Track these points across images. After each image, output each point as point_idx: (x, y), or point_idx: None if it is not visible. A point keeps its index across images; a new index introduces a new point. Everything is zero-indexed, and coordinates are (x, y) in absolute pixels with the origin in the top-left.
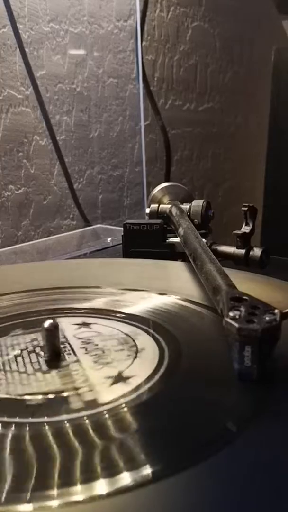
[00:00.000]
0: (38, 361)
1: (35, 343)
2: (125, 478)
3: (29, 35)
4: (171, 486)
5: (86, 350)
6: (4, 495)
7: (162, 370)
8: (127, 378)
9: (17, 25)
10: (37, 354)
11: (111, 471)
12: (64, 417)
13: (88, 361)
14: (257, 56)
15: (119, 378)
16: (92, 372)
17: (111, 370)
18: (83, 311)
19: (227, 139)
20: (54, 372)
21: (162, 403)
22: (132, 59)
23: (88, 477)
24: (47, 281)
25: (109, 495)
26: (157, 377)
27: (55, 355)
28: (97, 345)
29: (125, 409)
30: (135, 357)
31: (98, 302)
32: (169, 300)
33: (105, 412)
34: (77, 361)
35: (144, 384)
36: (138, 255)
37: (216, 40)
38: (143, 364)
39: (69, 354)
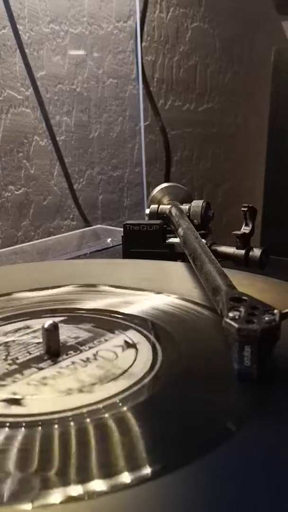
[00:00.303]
0: (31, 353)
1: (65, 338)
2: (124, 477)
3: (29, 36)
4: (170, 485)
5: (71, 364)
6: None
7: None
8: (20, 404)
9: (17, 26)
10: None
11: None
12: None
13: (44, 374)
14: (257, 56)
15: (16, 401)
16: (18, 383)
17: (27, 390)
18: (82, 311)
19: (227, 139)
20: (13, 367)
21: (162, 403)
22: (131, 60)
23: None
24: (47, 281)
25: (108, 492)
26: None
27: (51, 355)
28: (86, 365)
29: None
30: (79, 392)
31: (98, 303)
32: (169, 301)
33: None
34: (40, 369)
35: (19, 417)
36: (138, 256)
37: (216, 41)
38: (65, 400)
39: (55, 360)
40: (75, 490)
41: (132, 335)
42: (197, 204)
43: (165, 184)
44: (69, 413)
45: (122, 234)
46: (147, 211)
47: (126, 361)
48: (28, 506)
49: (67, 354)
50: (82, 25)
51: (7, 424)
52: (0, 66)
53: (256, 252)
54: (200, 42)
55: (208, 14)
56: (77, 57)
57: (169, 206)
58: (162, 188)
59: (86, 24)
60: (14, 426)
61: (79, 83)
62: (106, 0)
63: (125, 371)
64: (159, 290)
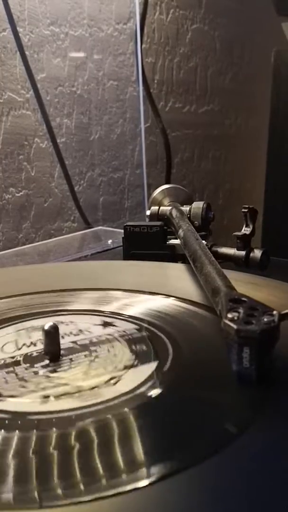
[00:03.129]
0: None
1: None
2: (125, 479)
3: (29, 38)
4: (171, 487)
5: (57, 369)
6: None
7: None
8: None
9: (17, 28)
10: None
11: (111, 473)
12: None
13: (23, 374)
14: (257, 58)
15: None
16: None
17: None
18: (84, 313)
19: (228, 141)
20: (10, 360)
21: (162, 403)
22: (132, 62)
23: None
24: (49, 283)
25: (109, 496)
26: None
27: (50, 356)
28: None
29: None
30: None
31: (98, 305)
32: (169, 302)
33: None
34: (28, 368)
35: None
36: (138, 257)
37: (216, 42)
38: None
39: (48, 362)
40: (76, 492)
41: (135, 343)
42: (198, 205)
43: (165, 186)
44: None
45: (123, 236)
46: (148, 212)
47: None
48: (30, 509)
49: (65, 358)
50: (82, 27)
51: None
52: (1, 68)
53: (257, 253)
54: (200, 43)
55: (208, 15)
56: (77, 59)
57: (169, 208)
58: (162, 190)
59: (86, 26)
60: None
61: (80, 85)
62: (106, 2)
63: (93, 388)
64: (159, 291)
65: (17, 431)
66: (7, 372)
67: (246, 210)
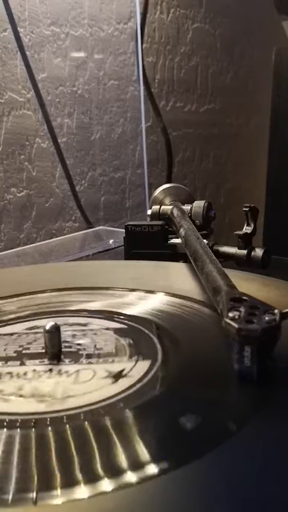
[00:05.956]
0: (38, 350)
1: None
2: (124, 477)
3: (30, 38)
4: (170, 485)
5: (48, 370)
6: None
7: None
8: None
9: (18, 28)
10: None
11: (112, 470)
12: None
13: (13, 370)
14: (258, 56)
15: None
16: None
17: None
18: (85, 312)
19: (229, 140)
20: (10, 355)
21: (162, 403)
22: (132, 61)
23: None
24: (50, 283)
25: (107, 492)
26: None
27: (50, 356)
28: (51, 376)
29: None
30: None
31: (100, 304)
32: (170, 301)
33: None
34: (22, 364)
35: None
36: (140, 257)
37: (217, 41)
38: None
39: (44, 362)
40: (77, 490)
41: (137, 357)
42: (199, 204)
43: (167, 185)
44: None
45: (124, 235)
46: (149, 212)
47: (87, 387)
48: (31, 506)
49: (62, 360)
50: (82, 27)
51: None
52: (1, 68)
53: (258, 252)
54: (201, 42)
55: (208, 14)
56: (78, 59)
57: (171, 207)
58: (164, 189)
59: (87, 26)
60: None
61: (80, 85)
62: (106, 2)
63: (65, 397)
64: (160, 290)
65: None
66: (1, 366)
67: (247, 209)
